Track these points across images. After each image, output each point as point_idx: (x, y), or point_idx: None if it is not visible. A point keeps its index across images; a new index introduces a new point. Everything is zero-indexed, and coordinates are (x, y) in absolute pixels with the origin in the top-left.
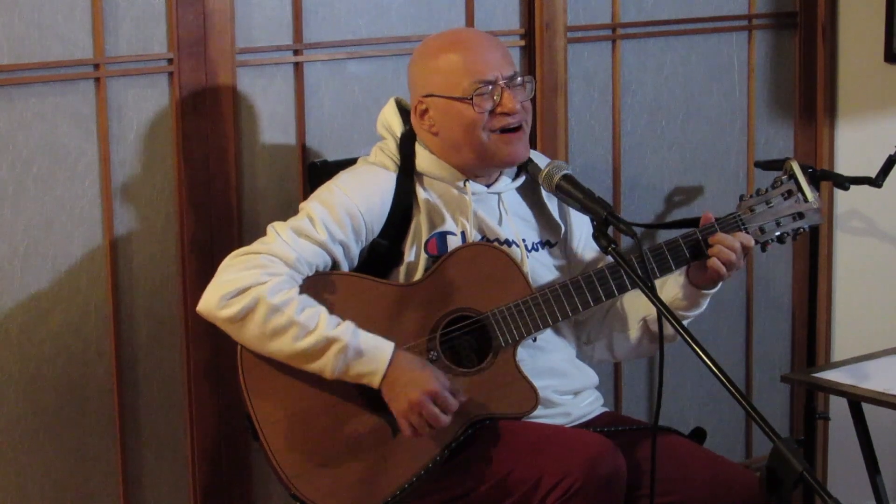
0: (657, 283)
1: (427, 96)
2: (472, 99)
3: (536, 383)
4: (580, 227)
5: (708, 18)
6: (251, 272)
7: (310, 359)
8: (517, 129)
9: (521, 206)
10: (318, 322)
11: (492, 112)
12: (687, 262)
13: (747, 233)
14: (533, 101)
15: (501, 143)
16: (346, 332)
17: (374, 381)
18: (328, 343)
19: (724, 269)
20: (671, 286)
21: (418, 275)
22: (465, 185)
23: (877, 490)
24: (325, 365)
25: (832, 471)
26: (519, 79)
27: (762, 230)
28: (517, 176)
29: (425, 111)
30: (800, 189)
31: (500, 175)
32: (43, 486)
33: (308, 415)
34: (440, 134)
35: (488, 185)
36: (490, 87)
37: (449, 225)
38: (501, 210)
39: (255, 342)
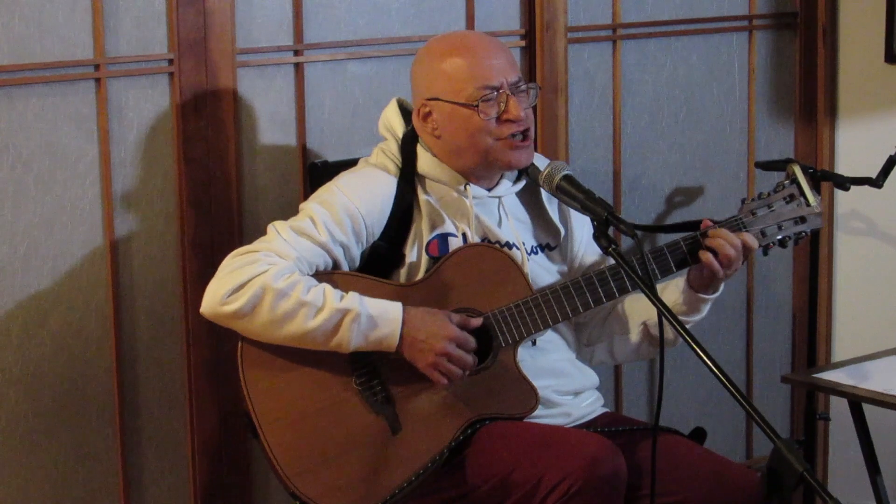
0: (658, 287)
1: (431, 99)
2: (477, 105)
3: (536, 383)
4: (581, 231)
5: (708, 19)
6: (251, 266)
7: (325, 336)
8: (523, 137)
9: (521, 210)
10: (325, 298)
11: (497, 118)
12: (687, 264)
13: (751, 235)
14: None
15: (506, 148)
16: (354, 300)
17: (392, 344)
18: (341, 315)
19: (716, 265)
20: (672, 291)
21: (420, 276)
22: (465, 188)
23: (877, 490)
24: (342, 338)
25: (832, 471)
26: (523, 85)
27: (763, 233)
28: (518, 179)
29: (429, 114)
30: (802, 193)
31: (500, 178)
32: (43, 487)
33: (308, 413)
34: (443, 137)
35: (489, 189)
36: (495, 94)
37: (450, 227)
38: (501, 213)
39: (266, 330)
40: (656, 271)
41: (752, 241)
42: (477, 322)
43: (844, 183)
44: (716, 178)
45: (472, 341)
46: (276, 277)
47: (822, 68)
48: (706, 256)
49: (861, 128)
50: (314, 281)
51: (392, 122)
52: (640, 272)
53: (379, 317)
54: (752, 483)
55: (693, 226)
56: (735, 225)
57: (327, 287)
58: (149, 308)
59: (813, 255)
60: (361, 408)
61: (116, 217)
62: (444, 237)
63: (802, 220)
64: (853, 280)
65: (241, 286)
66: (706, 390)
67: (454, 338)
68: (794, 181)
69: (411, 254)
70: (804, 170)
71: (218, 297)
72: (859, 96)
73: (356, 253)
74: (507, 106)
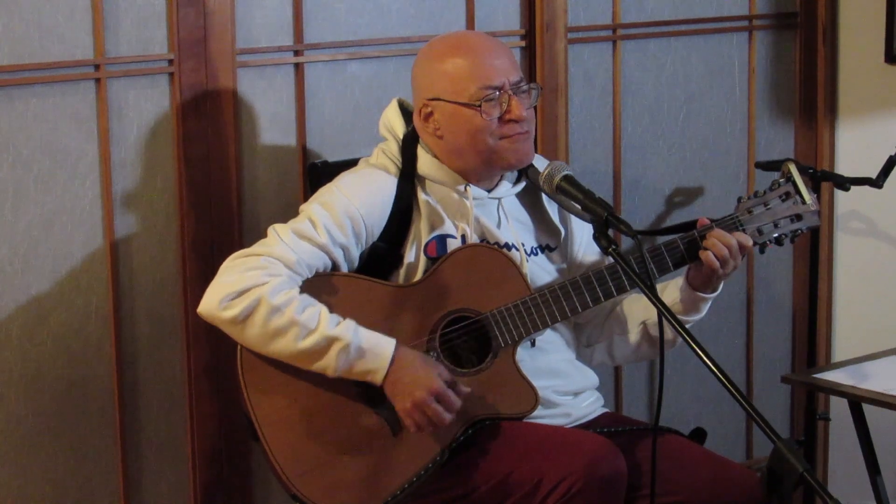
0: (657, 287)
1: (432, 100)
2: (479, 105)
3: (536, 383)
4: (581, 232)
5: (708, 19)
6: (252, 273)
7: (312, 358)
8: (524, 133)
9: (520, 211)
10: (319, 321)
11: (499, 119)
12: (685, 263)
13: (745, 234)
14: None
15: (508, 144)
16: (348, 330)
17: (377, 379)
18: (329, 342)
19: (716, 263)
20: (671, 290)
21: (418, 277)
22: (466, 189)
23: (877, 490)
24: (328, 364)
25: (833, 471)
26: (525, 85)
27: (760, 232)
28: (517, 181)
29: (430, 114)
30: (797, 191)
31: (500, 180)
32: (43, 486)
33: (308, 414)
34: (445, 138)
35: (489, 190)
36: (497, 94)
37: (449, 228)
38: (501, 215)
39: (257, 343)
40: (654, 271)
41: (746, 240)
42: (465, 390)
43: (844, 183)
44: (716, 179)
45: (455, 402)
46: (273, 292)
47: (821, 68)
48: (706, 255)
49: (861, 128)
50: (312, 300)
51: (393, 122)
52: (639, 272)
53: (369, 351)
54: (752, 483)
55: (690, 226)
56: (731, 223)
57: (323, 310)
58: (149, 308)
59: (813, 255)
60: (362, 409)
61: (116, 217)
62: (442, 238)
63: (798, 217)
64: (853, 280)
65: (240, 294)
66: (706, 390)
67: (437, 391)
68: (790, 179)
69: (410, 254)
70: (799, 168)
71: (216, 301)
72: (859, 96)
73: (355, 254)
74: (509, 106)
